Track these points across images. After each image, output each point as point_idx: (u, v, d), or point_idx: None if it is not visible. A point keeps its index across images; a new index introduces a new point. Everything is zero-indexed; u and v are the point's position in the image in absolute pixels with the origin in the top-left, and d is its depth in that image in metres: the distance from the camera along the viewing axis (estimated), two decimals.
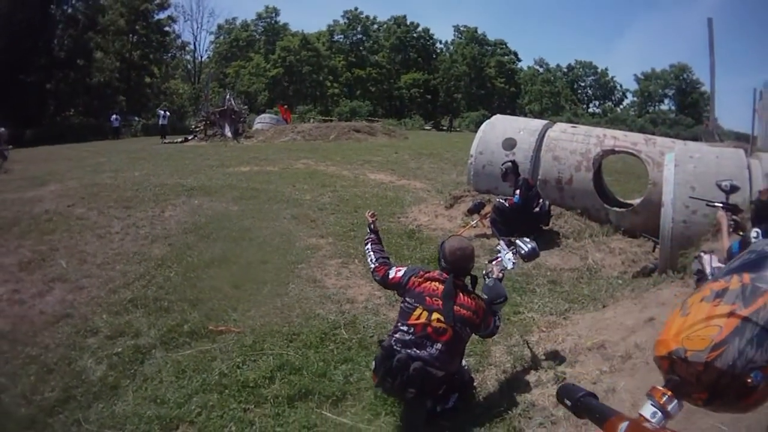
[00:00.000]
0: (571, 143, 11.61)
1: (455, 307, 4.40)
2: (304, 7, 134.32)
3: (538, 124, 12.47)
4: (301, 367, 5.34)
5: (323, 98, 79.23)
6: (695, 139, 30.56)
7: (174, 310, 6.61)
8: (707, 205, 6.66)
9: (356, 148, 23.46)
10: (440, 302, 4.42)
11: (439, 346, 4.31)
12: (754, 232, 5.19)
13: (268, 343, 5.78)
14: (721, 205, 6.16)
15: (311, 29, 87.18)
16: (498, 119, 13.21)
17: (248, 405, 4.83)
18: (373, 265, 5.03)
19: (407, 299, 4.57)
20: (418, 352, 4.29)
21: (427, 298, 4.47)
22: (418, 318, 4.38)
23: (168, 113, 38.14)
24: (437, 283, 4.57)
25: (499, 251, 5.38)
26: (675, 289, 6.76)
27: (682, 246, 7.61)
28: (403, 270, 4.79)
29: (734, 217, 6.01)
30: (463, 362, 5.13)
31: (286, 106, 47.84)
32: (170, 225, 9.57)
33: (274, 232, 9.34)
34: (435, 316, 4.36)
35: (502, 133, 12.07)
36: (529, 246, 5.50)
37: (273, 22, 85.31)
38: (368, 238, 5.33)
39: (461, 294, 4.54)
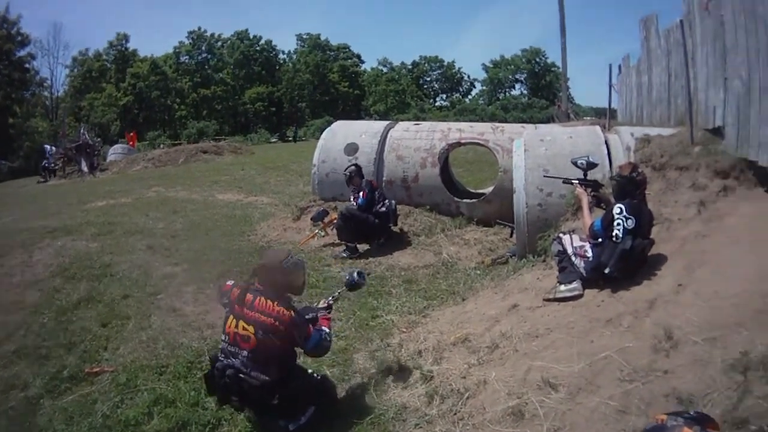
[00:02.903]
0: (415, 141, 11.84)
1: (247, 311, 4.47)
2: (153, 30, 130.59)
3: (380, 125, 12.63)
4: (174, 399, 5.44)
5: (172, 122, 78.74)
6: (550, 120, 32.28)
7: (53, 357, 6.63)
8: (564, 182, 6.78)
9: (204, 169, 23.74)
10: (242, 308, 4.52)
11: (245, 353, 4.45)
12: (618, 208, 5.41)
13: (141, 379, 5.87)
14: (577, 181, 6.34)
15: (160, 53, 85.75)
16: (338, 125, 13.29)
17: None
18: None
19: (227, 308, 4.63)
20: (232, 360, 4.48)
21: (236, 305, 4.52)
22: (230, 326, 4.52)
23: (53, 149, 36.07)
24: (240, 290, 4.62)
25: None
26: (537, 272, 6.93)
27: (540, 229, 7.83)
28: (233, 281, 4.89)
29: (594, 192, 6.21)
30: (317, 372, 5.07)
31: (131, 134, 47.47)
32: (38, 270, 9.35)
33: (132, 265, 9.34)
34: (241, 323, 4.47)
35: (344, 139, 12.14)
36: (354, 276, 5.43)
37: (123, 49, 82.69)
38: None
39: (260, 298, 4.51)
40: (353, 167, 10.34)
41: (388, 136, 12.06)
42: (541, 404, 3.96)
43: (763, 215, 5.35)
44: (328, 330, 4.76)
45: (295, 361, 4.78)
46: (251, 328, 4.40)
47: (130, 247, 10.30)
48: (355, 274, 5.37)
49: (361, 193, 9.85)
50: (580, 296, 5.56)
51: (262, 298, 4.46)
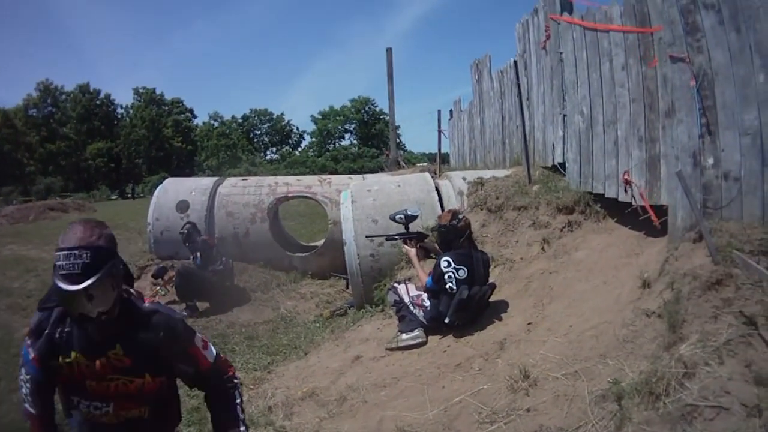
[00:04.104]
0: (244, 196, 11.71)
1: None
2: (5, 79, 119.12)
3: (209, 181, 12.40)
4: None
5: (22, 177, 72.58)
6: (380, 169, 32.70)
7: None
8: (387, 239, 6.78)
9: (53, 227, 22.17)
10: None
11: None
12: (444, 261, 5.42)
13: None
14: (399, 237, 6.35)
15: (11, 103, 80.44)
16: (169, 183, 12.82)
17: None
18: None
19: None
20: None
21: None
22: None
23: None
24: None
25: None
26: (377, 322, 6.92)
27: (375, 279, 7.85)
28: None
29: (421, 244, 6.21)
30: None
31: None
32: None
33: None
34: None
35: (175, 197, 11.75)
36: None
37: None
38: None
39: None
40: (189, 225, 10.10)
41: (217, 192, 11.81)
42: None
43: (613, 245, 5.54)
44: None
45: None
46: None
47: None
48: None
49: (198, 254, 9.65)
50: (424, 343, 5.56)
51: None
